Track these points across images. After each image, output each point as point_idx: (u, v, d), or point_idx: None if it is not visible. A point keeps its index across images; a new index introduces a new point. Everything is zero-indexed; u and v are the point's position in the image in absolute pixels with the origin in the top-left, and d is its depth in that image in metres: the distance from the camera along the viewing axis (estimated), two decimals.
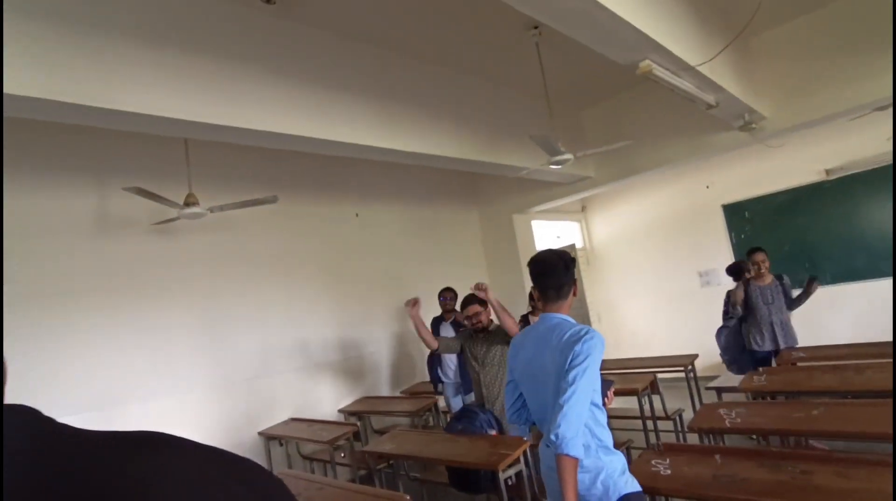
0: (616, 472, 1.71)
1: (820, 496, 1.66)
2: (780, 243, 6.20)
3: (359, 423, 5.02)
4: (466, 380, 4.65)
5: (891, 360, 3.20)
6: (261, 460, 4.42)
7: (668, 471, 2.02)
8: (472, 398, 4.70)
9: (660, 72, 3.19)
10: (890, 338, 4.02)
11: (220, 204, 3.91)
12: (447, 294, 4.98)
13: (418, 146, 4.14)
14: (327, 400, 5.06)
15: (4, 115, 2.50)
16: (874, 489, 1.64)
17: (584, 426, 1.64)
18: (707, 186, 6.83)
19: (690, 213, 6.95)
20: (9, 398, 0.47)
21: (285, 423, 4.58)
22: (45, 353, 3.59)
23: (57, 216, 3.81)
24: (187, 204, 3.74)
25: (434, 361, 4.85)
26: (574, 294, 1.92)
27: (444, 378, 4.80)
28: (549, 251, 1.97)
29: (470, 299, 3.53)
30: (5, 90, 2.26)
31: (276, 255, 4.97)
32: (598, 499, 1.69)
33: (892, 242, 5.37)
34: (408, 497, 2.12)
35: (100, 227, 4.00)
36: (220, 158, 4.61)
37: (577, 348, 1.68)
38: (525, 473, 2.65)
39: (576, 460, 1.57)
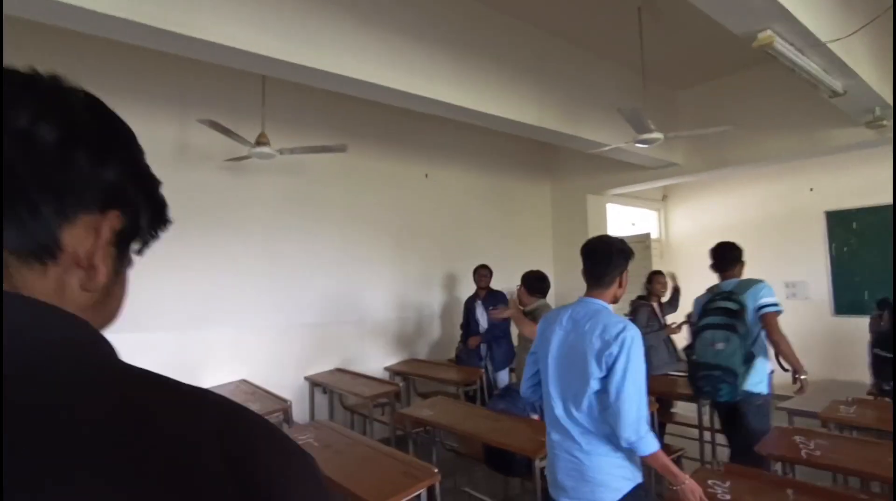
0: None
1: None
2: (889, 261, 5.50)
3: (402, 384, 5.04)
4: (498, 355, 4.55)
5: None
6: (303, 404, 4.52)
7: (728, 496, 1.79)
8: (504, 375, 4.59)
9: (782, 46, 2.77)
10: None
11: (290, 147, 3.89)
12: (483, 271, 4.87)
13: (496, 109, 3.92)
14: (375, 357, 5.08)
15: (94, 33, 2.53)
16: None
17: (643, 418, 1.62)
18: (811, 189, 6.14)
19: (786, 216, 6.30)
20: None
21: (331, 372, 4.65)
22: None
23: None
24: (259, 143, 3.75)
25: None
26: (621, 285, 1.90)
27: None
28: (604, 238, 1.99)
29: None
30: (93, 8, 2.27)
31: (341, 205, 4.96)
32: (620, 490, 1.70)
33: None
34: (436, 470, 2.02)
35: (177, 157, 4.11)
36: (294, 101, 4.59)
37: (616, 347, 1.66)
38: None
39: (658, 452, 1.62)
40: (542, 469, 2.44)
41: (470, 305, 4.89)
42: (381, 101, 3.73)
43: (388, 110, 4.96)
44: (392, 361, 5.15)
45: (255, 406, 3.44)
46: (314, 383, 4.51)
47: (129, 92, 3.89)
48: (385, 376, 4.97)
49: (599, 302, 1.86)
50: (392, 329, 5.24)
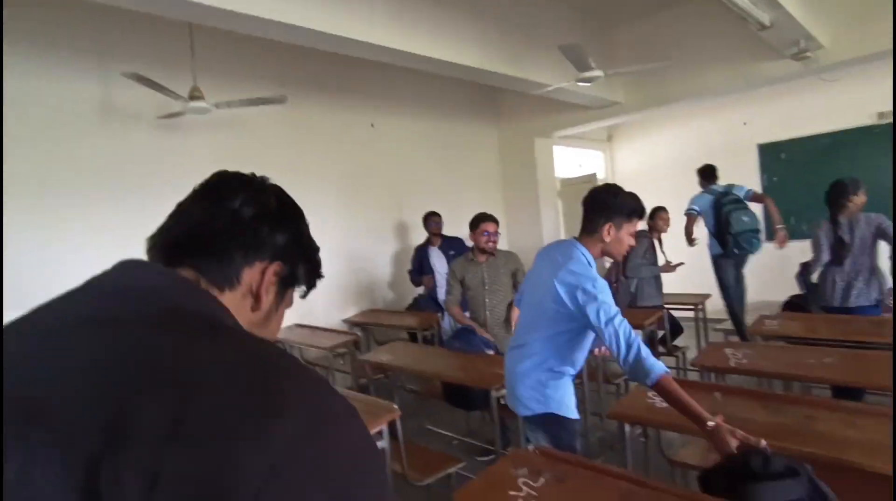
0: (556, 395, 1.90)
1: (821, 442, 1.58)
2: (815, 189, 5.85)
3: (362, 334, 5.11)
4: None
5: None
6: None
7: (664, 404, 1.96)
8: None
9: None
10: None
11: (227, 100, 3.72)
12: (434, 218, 4.91)
13: (436, 51, 3.85)
14: (333, 310, 5.10)
15: None
16: (878, 440, 1.56)
17: (633, 341, 1.67)
18: (744, 123, 6.40)
19: (723, 150, 6.55)
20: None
21: (289, 328, 4.64)
22: (45, 243, 3.58)
23: (59, 102, 3.67)
24: (193, 98, 3.57)
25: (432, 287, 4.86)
26: (609, 238, 1.88)
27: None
28: (598, 187, 2.01)
29: (485, 216, 3.28)
30: None
31: (285, 159, 4.81)
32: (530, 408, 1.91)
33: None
34: (396, 407, 2.11)
35: (103, 117, 3.86)
36: (227, 51, 4.36)
37: (578, 293, 1.74)
38: None
39: (667, 377, 1.63)
40: (499, 399, 2.58)
41: (422, 252, 4.92)
42: (316, 46, 3.59)
43: (330, 59, 4.76)
44: (350, 313, 5.19)
45: None
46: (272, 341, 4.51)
47: (45, 45, 3.59)
48: (344, 328, 5.03)
49: (579, 246, 1.90)
50: (347, 281, 5.25)
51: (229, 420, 0.40)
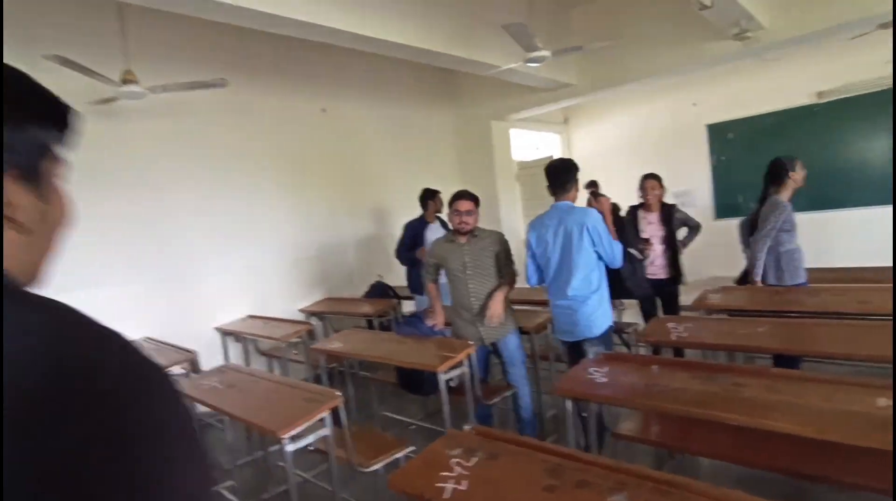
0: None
1: (748, 407, 1.63)
2: (762, 167, 6.04)
3: (319, 323, 5.04)
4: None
5: (846, 285, 3.19)
6: (218, 354, 4.43)
7: (605, 379, 1.99)
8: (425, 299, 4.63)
9: None
10: (852, 264, 3.99)
11: (163, 84, 3.55)
12: (439, 196, 4.61)
13: (383, 33, 3.77)
14: (288, 299, 5.01)
15: None
16: (800, 403, 1.62)
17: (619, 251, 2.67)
18: (694, 104, 6.53)
19: (674, 131, 6.70)
20: None
21: (243, 320, 4.55)
22: None
23: None
24: (126, 82, 3.40)
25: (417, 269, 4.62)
26: (577, 190, 2.80)
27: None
28: (560, 159, 2.95)
29: (458, 194, 2.89)
30: None
31: (233, 146, 4.67)
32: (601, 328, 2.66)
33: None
34: (338, 393, 2.08)
35: None
36: (164, 33, 4.16)
37: (595, 225, 2.61)
38: (468, 375, 2.64)
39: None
40: (447, 382, 2.58)
41: (418, 227, 4.57)
42: (255, 27, 3.47)
43: (277, 42, 4.64)
44: (306, 302, 5.11)
45: (160, 360, 3.32)
46: (225, 332, 4.41)
47: None
48: (300, 318, 4.95)
49: (568, 202, 2.75)
50: (304, 270, 5.16)
51: None
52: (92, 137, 3.88)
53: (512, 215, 6.62)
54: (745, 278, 3.65)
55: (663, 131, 6.78)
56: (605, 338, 2.65)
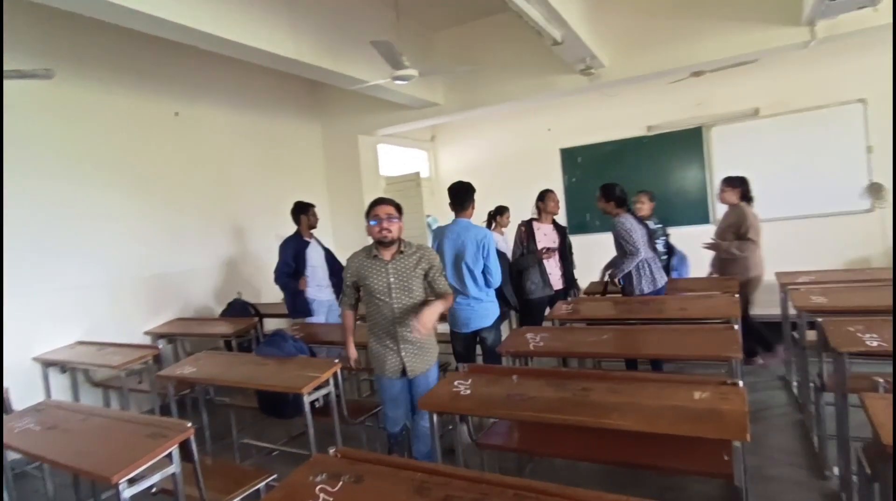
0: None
1: (593, 409, 1.80)
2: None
3: (169, 346, 4.56)
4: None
5: (677, 295, 3.68)
6: (37, 390, 3.78)
7: (468, 391, 2.06)
8: None
9: None
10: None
11: None
12: (314, 209, 4.34)
13: (246, 38, 3.59)
14: (130, 322, 4.46)
15: None
16: (638, 402, 1.82)
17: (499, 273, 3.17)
18: (549, 129, 7.14)
19: (532, 153, 7.25)
20: None
21: (71, 347, 3.96)
22: None
23: None
24: None
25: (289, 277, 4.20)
26: (473, 208, 3.27)
27: (315, 297, 4.25)
28: (460, 182, 3.28)
29: (377, 201, 2.54)
30: None
31: (65, 148, 4.07)
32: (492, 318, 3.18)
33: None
34: (188, 424, 1.89)
35: None
36: None
37: (487, 243, 3.09)
38: (334, 394, 2.56)
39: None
40: (312, 403, 2.47)
41: (299, 247, 4.26)
42: (85, 13, 3.06)
43: (123, 35, 4.15)
44: (153, 324, 4.59)
45: None
46: (47, 363, 3.79)
47: None
48: (146, 341, 4.43)
49: (467, 220, 3.21)
50: (149, 289, 4.63)
51: None
52: None
53: None
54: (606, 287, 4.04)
55: (522, 152, 7.31)
56: (496, 325, 3.20)
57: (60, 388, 3.94)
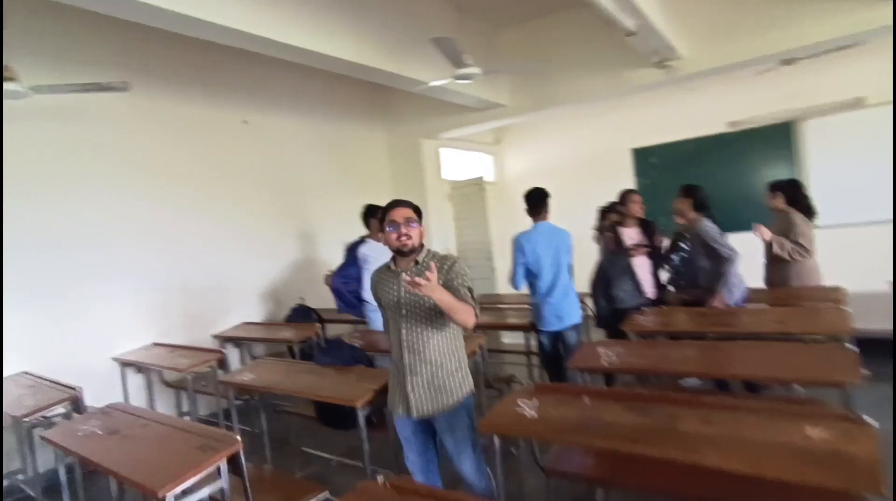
0: None
1: (683, 441, 1.55)
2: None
3: (236, 350, 4.64)
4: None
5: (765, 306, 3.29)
6: (116, 388, 3.94)
7: (534, 413, 1.85)
8: None
9: None
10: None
11: (51, 84, 3.15)
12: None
13: (309, 42, 3.57)
14: (202, 325, 4.58)
15: None
16: (737, 435, 1.55)
17: None
18: (620, 128, 6.75)
19: (602, 154, 6.87)
20: None
21: (146, 348, 4.10)
22: None
23: None
24: (3, 79, 2.97)
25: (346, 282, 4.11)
26: (548, 212, 3.47)
27: (368, 298, 3.93)
28: (534, 188, 3.50)
29: (393, 203, 2.14)
30: None
31: (140, 158, 4.24)
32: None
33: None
34: (237, 438, 1.81)
35: None
36: (55, 27, 3.73)
37: (571, 243, 3.47)
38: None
39: None
40: (367, 417, 2.35)
41: (367, 250, 4.03)
42: (163, 26, 3.16)
43: (192, 46, 4.29)
44: (222, 327, 4.70)
45: (32, 400, 2.88)
46: (124, 363, 3.94)
47: None
48: (214, 344, 4.53)
49: (549, 222, 3.45)
50: (217, 293, 4.74)
51: None
52: None
53: (444, 235, 6.50)
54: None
55: (591, 154, 6.95)
56: (581, 326, 3.50)
57: (137, 387, 4.08)
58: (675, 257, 3.67)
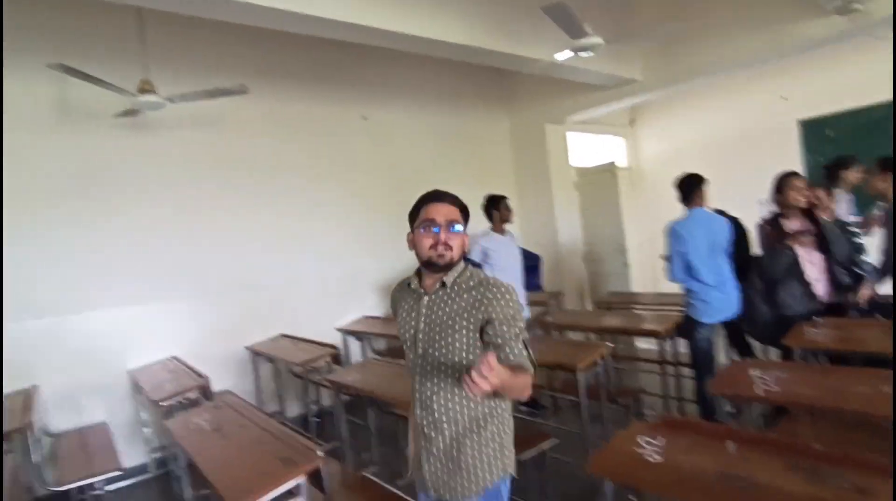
0: None
1: None
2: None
3: (359, 343, 4.73)
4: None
5: None
6: (248, 375, 4.22)
7: (659, 458, 1.46)
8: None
9: None
10: None
11: (182, 93, 3.37)
12: (505, 202, 4.01)
13: (414, 27, 3.41)
14: (325, 318, 4.73)
15: None
16: None
17: None
18: (783, 97, 5.67)
19: (759, 129, 5.84)
20: None
21: (274, 339, 4.32)
22: (11, 253, 3.35)
23: (13, 106, 3.43)
24: (142, 91, 3.24)
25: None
26: (702, 198, 3.21)
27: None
28: (686, 174, 3.25)
29: (429, 196, 1.52)
30: None
31: (264, 159, 4.47)
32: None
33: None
34: (320, 453, 1.69)
35: (58, 117, 3.59)
36: (184, 40, 4.04)
37: (731, 230, 3.23)
38: None
39: None
40: None
41: (489, 243, 3.93)
42: (277, 27, 3.23)
43: (310, 45, 4.42)
44: (345, 320, 4.81)
45: (171, 386, 3.13)
46: (255, 352, 4.18)
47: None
48: (338, 337, 4.65)
49: (703, 209, 3.20)
50: (342, 287, 4.87)
51: None
52: (122, 150, 3.82)
53: (571, 225, 6.03)
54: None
55: (747, 129, 5.94)
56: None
57: (268, 375, 4.33)
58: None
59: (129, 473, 3.23)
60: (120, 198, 3.81)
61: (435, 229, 1.41)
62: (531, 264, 4.73)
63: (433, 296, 1.44)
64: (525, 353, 1.32)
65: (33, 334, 3.42)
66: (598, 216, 6.19)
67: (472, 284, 1.42)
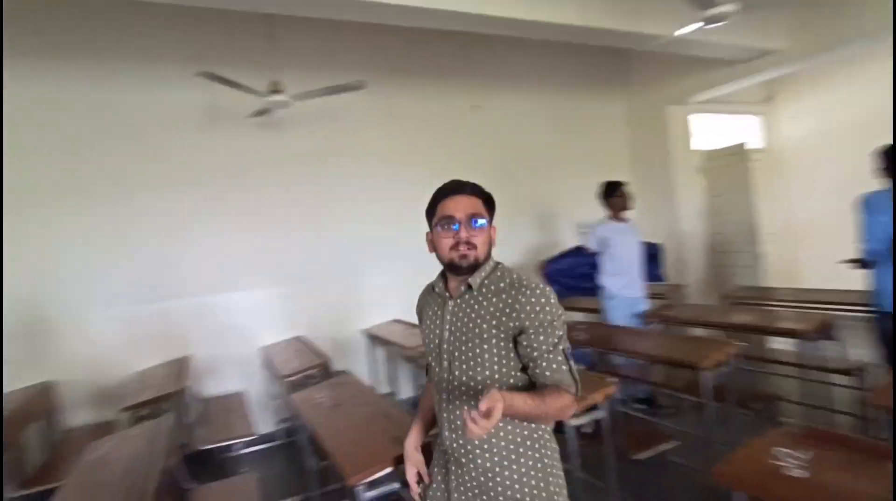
0: None
1: None
2: None
3: None
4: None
5: None
6: (363, 357, 4.44)
7: (804, 472, 1.30)
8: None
9: None
10: None
11: (305, 91, 3.61)
12: (621, 188, 3.85)
13: (526, 12, 3.33)
14: None
15: None
16: None
17: None
18: None
19: None
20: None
21: (388, 323, 4.50)
22: (156, 239, 3.85)
23: (170, 110, 3.92)
24: (272, 92, 3.52)
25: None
26: None
27: (616, 292, 3.82)
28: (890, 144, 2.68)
29: (449, 188, 1.38)
30: None
31: (380, 151, 4.66)
32: None
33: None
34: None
35: (207, 120, 4.03)
36: (307, 41, 4.29)
37: None
38: (608, 421, 2.08)
39: None
40: (578, 428, 2.05)
41: (605, 231, 3.83)
42: (398, 23, 3.36)
43: (421, 39, 4.52)
44: None
45: (294, 364, 3.39)
46: (369, 335, 4.40)
47: (142, 59, 3.84)
48: None
49: None
50: None
51: None
52: (258, 147, 4.20)
53: (693, 215, 5.59)
54: None
55: None
56: None
57: (381, 358, 4.53)
58: None
59: (260, 439, 3.56)
60: (256, 193, 4.20)
61: (454, 227, 1.25)
62: (651, 252, 4.49)
63: (458, 300, 1.28)
64: (565, 367, 1.16)
65: (186, 310, 3.91)
66: (726, 203, 5.66)
67: (502, 285, 1.24)
